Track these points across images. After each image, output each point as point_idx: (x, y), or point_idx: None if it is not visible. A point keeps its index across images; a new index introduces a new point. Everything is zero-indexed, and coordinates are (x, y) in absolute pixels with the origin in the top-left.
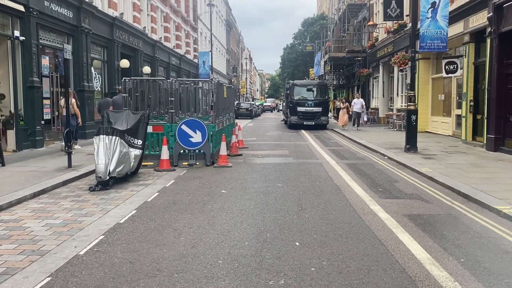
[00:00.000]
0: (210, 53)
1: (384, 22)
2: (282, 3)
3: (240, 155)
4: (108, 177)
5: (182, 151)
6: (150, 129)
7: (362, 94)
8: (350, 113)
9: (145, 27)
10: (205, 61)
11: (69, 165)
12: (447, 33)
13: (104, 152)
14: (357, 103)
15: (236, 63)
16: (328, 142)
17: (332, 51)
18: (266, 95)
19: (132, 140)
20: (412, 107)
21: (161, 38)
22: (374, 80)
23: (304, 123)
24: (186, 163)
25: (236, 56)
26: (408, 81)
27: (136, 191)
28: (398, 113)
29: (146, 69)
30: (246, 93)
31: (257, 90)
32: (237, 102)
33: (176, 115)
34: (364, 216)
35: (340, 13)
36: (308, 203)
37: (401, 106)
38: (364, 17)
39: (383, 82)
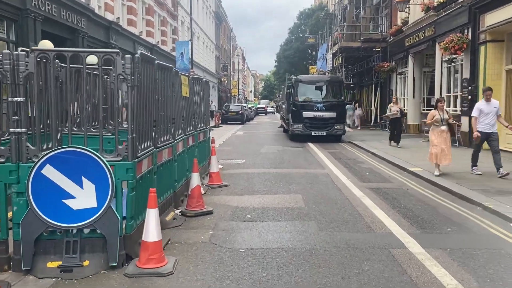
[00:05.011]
0: (189, 42)
1: None
2: (276, 3)
3: (209, 212)
4: None
5: (45, 233)
6: None
7: (381, 94)
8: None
9: None
10: (183, 53)
11: None
12: None
13: None
14: (488, 111)
15: (227, 61)
16: (360, 169)
17: (343, 40)
18: (260, 97)
19: None
20: None
21: (118, 18)
22: (399, 76)
23: (313, 134)
24: (55, 264)
25: (227, 54)
26: (467, 75)
27: None
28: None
29: (91, 58)
30: (238, 94)
31: (251, 91)
32: (226, 104)
33: (34, 139)
34: None
35: None
36: None
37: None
38: None
39: (413, 78)
